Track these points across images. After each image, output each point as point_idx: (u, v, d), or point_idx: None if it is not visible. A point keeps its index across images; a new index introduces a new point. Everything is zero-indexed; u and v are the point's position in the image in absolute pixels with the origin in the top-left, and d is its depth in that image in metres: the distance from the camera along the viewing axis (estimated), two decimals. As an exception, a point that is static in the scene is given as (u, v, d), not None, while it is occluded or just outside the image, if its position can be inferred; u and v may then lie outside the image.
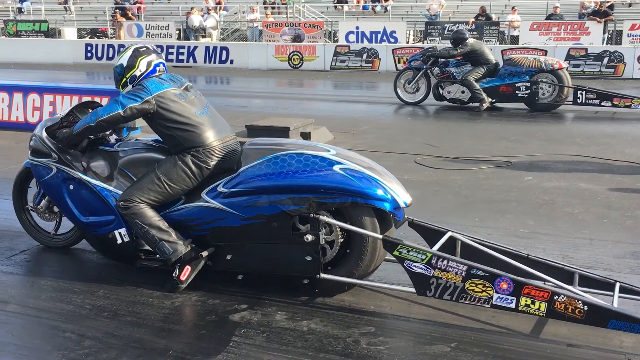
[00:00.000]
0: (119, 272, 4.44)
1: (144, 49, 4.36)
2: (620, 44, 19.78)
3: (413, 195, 4.11)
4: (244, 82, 18.53)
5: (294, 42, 22.16)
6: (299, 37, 22.54)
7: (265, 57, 21.66)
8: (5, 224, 5.43)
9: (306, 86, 17.95)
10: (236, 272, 4.17)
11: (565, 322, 3.43)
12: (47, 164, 4.50)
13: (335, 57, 20.88)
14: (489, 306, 3.52)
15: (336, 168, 3.87)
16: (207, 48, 22.44)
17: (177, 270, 4.05)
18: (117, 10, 27.11)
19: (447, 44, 13.21)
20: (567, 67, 12.23)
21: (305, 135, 8.71)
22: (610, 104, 11.38)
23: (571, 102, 11.61)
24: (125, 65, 4.29)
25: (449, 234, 4.17)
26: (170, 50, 22.60)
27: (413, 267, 3.66)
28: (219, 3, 26.58)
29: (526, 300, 3.42)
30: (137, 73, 4.27)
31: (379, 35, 21.93)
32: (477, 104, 11.88)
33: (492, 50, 13.77)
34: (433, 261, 3.60)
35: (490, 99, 11.88)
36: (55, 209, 4.80)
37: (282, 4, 26.64)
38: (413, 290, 3.73)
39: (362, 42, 21.75)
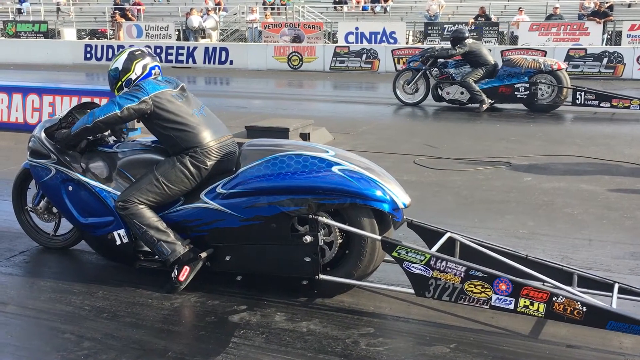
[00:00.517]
0: (118, 273, 4.44)
1: (139, 52, 4.35)
2: (620, 44, 19.79)
3: (412, 196, 4.12)
4: (243, 82, 18.54)
5: (293, 43, 22.17)
6: (298, 37, 22.54)
7: (264, 58, 21.67)
8: (4, 225, 5.43)
9: (305, 87, 17.96)
10: (235, 273, 4.17)
11: (564, 323, 3.43)
12: (46, 165, 4.49)
13: (334, 58, 20.89)
14: (487, 307, 3.52)
15: (335, 169, 3.88)
16: (206, 49, 22.46)
17: (176, 271, 4.05)
18: (117, 11, 27.12)
19: (447, 45, 13.19)
20: (566, 68, 12.24)
21: (305, 136, 8.71)
22: (609, 105, 11.39)
23: (570, 103, 11.61)
24: (120, 68, 4.28)
25: (447, 234, 4.17)
26: (169, 51, 22.61)
27: (412, 268, 3.66)
28: (218, 4, 26.59)
29: (525, 302, 3.42)
30: (133, 76, 4.26)
31: (379, 36, 21.94)
32: (477, 105, 11.88)
33: (491, 51, 13.79)
34: (432, 262, 3.60)
35: (490, 100, 11.88)
36: (55, 210, 4.80)
37: (282, 4, 26.65)
38: (412, 291, 3.73)
39: (361, 42, 21.77)
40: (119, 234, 4.28)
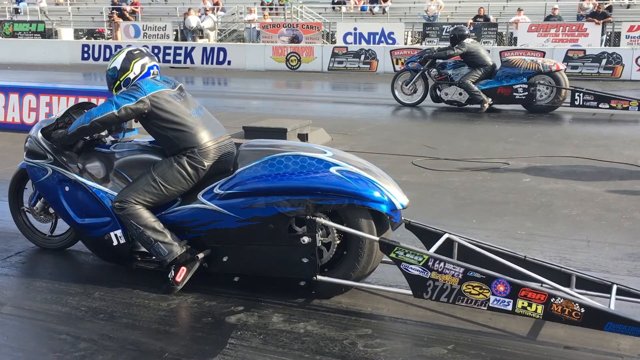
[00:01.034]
0: (114, 274, 4.43)
1: (138, 51, 4.34)
2: (619, 45, 19.80)
3: (410, 196, 4.11)
4: (241, 83, 18.53)
5: (291, 43, 22.16)
6: (296, 38, 22.53)
7: (262, 58, 21.65)
8: (0, 225, 5.41)
9: (304, 87, 17.95)
10: (232, 274, 4.16)
11: (562, 324, 3.42)
12: (43, 166, 4.48)
13: (333, 59, 20.88)
14: (485, 308, 3.51)
15: (333, 170, 3.87)
16: (204, 49, 22.44)
17: (173, 272, 4.04)
18: (114, 11, 27.09)
19: (445, 45, 13.18)
20: (565, 69, 12.23)
21: (303, 137, 8.70)
22: (607, 106, 11.38)
23: (569, 104, 11.61)
24: (119, 68, 4.27)
25: (445, 235, 4.16)
26: (167, 51, 22.59)
27: (410, 269, 3.65)
28: (216, 4, 26.57)
29: (523, 303, 3.41)
30: (131, 76, 4.25)
31: (377, 37, 21.94)
32: (477, 106, 11.87)
33: (490, 52, 13.79)
34: (430, 263, 3.59)
35: (490, 99, 11.87)
36: (51, 210, 4.79)
37: (280, 5, 26.64)
38: (410, 292, 3.72)
39: (360, 43, 21.76)
40: (115, 235, 4.26)
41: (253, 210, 3.90)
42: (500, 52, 18.01)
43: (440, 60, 12.33)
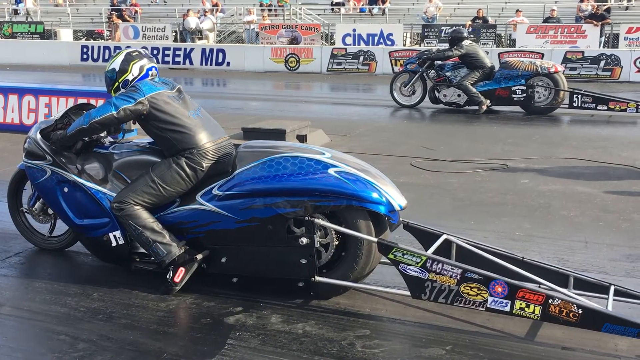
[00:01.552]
0: (113, 274, 4.43)
1: (136, 53, 4.35)
2: (617, 47, 19.81)
3: (409, 198, 4.12)
4: (240, 84, 18.53)
5: (290, 45, 22.15)
6: (295, 39, 22.53)
7: (261, 60, 21.66)
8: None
9: (303, 88, 17.96)
10: (231, 275, 4.17)
11: (560, 325, 3.43)
12: (42, 167, 4.48)
13: (332, 60, 20.88)
14: (483, 309, 3.52)
15: (331, 171, 3.88)
16: (203, 50, 22.43)
17: (171, 272, 4.05)
18: (113, 12, 27.09)
19: (444, 46, 13.19)
20: (563, 71, 12.25)
21: (302, 138, 8.71)
22: (606, 108, 11.39)
23: (567, 106, 11.62)
24: (117, 69, 4.28)
25: (444, 236, 4.17)
26: (166, 52, 22.58)
27: (408, 270, 3.66)
28: (215, 5, 26.57)
29: (521, 304, 3.42)
30: (130, 77, 4.26)
31: (376, 38, 21.93)
32: (476, 107, 11.88)
33: (488, 54, 13.79)
34: (428, 264, 3.60)
35: (488, 101, 11.88)
36: (50, 211, 4.79)
37: (279, 6, 26.64)
38: (408, 293, 3.72)
39: (359, 44, 21.76)
40: (114, 236, 4.27)
41: (251, 212, 3.91)
42: (499, 54, 18.02)
43: (439, 62, 12.34)
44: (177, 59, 22.53)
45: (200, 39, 24.58)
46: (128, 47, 4.61)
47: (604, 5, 21.80)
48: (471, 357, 3.33)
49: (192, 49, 22.59)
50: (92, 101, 8.29)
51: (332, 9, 26.03)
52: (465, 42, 12.05)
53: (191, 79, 19.64)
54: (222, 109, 12.16)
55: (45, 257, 4.83)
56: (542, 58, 16.61)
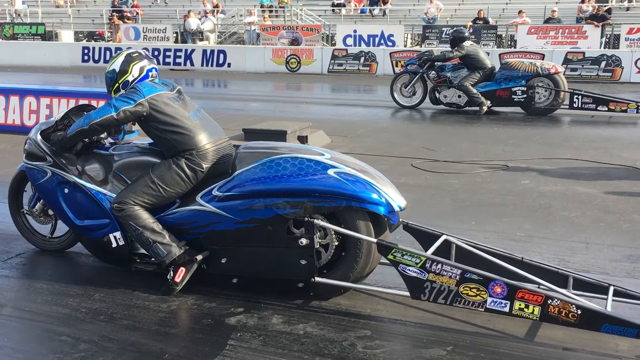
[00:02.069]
0: (114, 275, 4.44)
1: (137, 54, 4.36)
2: (618, 48, 19.82)
3: (409, 198, 4.12)
4: (241, 85, 18.54)
5: (291, 46, 22.17)
6: (296, 40, 22.55)
7: (262, 61, 21.67)
8: (0, 227, 5.42)
9: (303, 90, 17.97)
10: (231, 276, 4.17)
11: (561, 326, 3.43)
12: (42, 168, 4.49)
13: (332, 61, 20.89)
14: (483, 310, 3.53)
15: (331, 172, 3.88)
16: (204, 51, 22.45)
17: (172, 272, 4.06)
18: (115, 13, 27.11)
19: (445, 47, 13.20)
20: (564, 71, 12.25)
21: (303, 139, 8.71)
22: (606, 109, 11.40)
23: (567, 107, 11.62)
24: (117, 70, 4.29)
25: (443, 237, 4.18)
26: (167, 53, 22.60)
27: (407, 271, 3.66)
28: (216, 6, 26.59)
29: (520, 304, 3.42)
30: (130, 78, 4.27)
31: (377, 39, 21.95)
32: (477, 108, 11.88)
33: (489, 55, 13.80)
34: (427, 265, 3.61)
35: (488, 102, 11.88)
36: (51, 212, 4.80)
37: (280, 7, 26.66)
38: (408, 294, 3.73)
39: (359, 45, 21.77)
40: (114, 237, 4.28)
41: (251, 212, 3.91)
42: (500, 55, 18.02)
43: (440, 63, 12.34)
44: (178, 60, 22.55)
45: (201, 40, 24.59)
46: (129, 48, 4.62)
47: (605, 6, 21.80)
48: (472, 357, 3.33)
49: (193, 50, 22.61)
50: (93, 102, 8.29)
51: (333, 10, 26.04)
52: (466, 43, 12.06)
53: (192, 80, 19.66)
54: (223, 110, 12.17)
55: (46, 258, 4.84)
56: (542, 59, 16.61)
